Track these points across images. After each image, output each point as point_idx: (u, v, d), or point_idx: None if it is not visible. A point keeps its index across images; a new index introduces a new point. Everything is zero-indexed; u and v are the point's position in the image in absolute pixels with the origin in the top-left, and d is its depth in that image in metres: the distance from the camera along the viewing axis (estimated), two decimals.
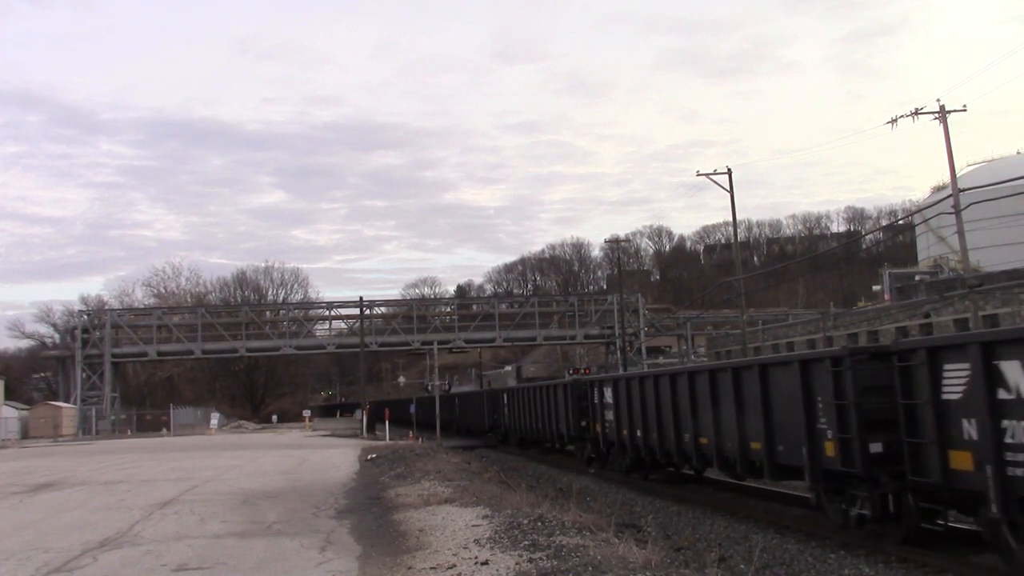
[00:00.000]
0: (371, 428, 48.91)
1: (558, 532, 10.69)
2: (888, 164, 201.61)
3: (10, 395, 67.85)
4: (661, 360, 75.96)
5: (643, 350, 68.21)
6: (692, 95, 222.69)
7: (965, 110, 36.16)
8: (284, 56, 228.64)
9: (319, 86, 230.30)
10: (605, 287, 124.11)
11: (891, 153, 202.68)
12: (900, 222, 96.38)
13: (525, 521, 11.58)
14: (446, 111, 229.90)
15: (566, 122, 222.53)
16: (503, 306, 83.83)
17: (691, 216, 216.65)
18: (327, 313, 73.59)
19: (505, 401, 37.30)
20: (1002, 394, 9.40)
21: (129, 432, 59.86)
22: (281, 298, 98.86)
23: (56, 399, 69.64)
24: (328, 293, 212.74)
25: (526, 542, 10.09)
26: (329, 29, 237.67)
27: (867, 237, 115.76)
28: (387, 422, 44.11)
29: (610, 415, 21.85)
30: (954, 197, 33.00)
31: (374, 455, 27.20)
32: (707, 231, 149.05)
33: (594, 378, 24.78)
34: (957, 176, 35.47)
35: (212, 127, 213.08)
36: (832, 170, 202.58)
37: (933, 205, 45.81)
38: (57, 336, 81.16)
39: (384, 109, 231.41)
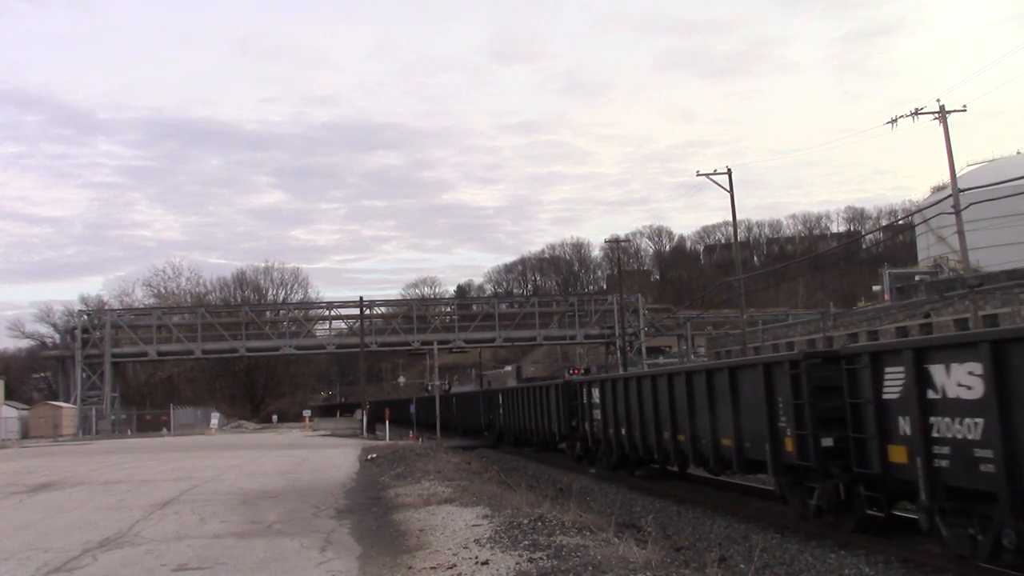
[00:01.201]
0: (371, 428, 48.96)
1: (558, 532, 10.69)
2: (887, 164, 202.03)
3: (10, 395, 67.87)
4: (661, 360, 75.94)
5: (643, 350, 68.24)
6: (691, 95, 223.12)
7: (965, 110, 36.23)
8: (282, 56, 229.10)
9: (317, 86, 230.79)
10: (605, 287, 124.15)
11: (890, 153, 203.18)
12: (900, 222, 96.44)
13: (525, 521, 11.57)
14: (444, 111, 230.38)
15: (565, 122, 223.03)
16: (503, 306, 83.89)
17: (690, 216, 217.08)
18: (327, 313, 73.67)
19: (596, 398, 24.19)
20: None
21: (129, 432, 59.87)
22: (281, 298, 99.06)
23: (56, 399, 69.66)
24: (327, 293, 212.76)
25: (526, 542, 10.08)
26: (327, 29, 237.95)
27: (867, 237, 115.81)
28: (387, 422, 44.14)
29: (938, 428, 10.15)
30: (954, 197, 33.01)
31: (374, 455, 27.20)
32: (707, 231, 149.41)
33: (868, 348, 12.07)
34: (957, 176, 35.48)
35: (211, 127, 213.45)
36: (831, 170, 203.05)
37: (933, 205, 45.83)
38: (57, 336, 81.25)
39: (382, 109, 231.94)
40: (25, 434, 59.60)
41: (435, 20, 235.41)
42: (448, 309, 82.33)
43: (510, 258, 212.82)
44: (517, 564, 8.83)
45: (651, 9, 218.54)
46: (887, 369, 11.16)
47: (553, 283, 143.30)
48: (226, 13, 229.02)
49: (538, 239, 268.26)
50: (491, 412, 40.93)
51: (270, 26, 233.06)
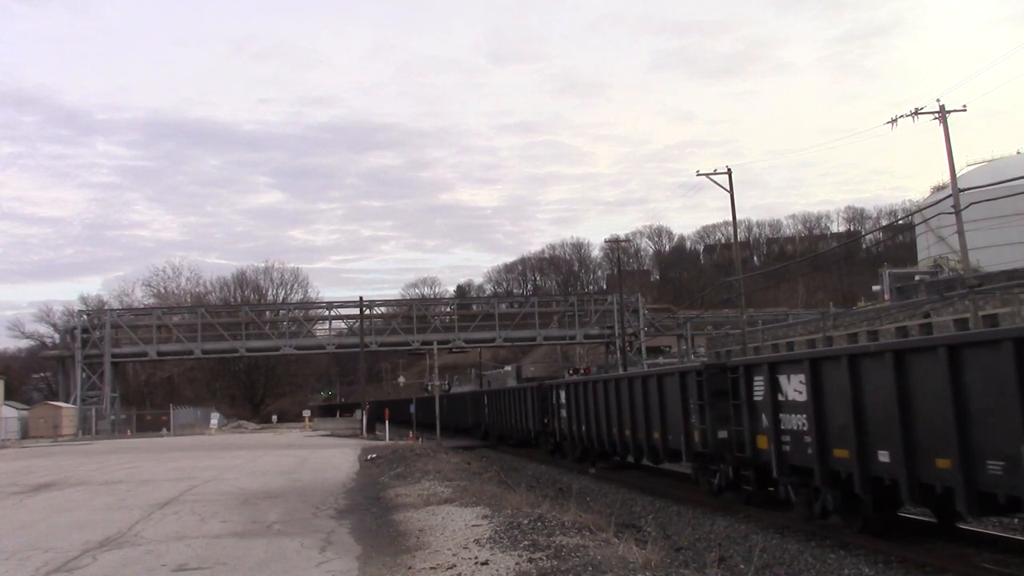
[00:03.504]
0: (371, 428, 48.96)
1: (558, 532, 10.69)
2: (884, 165, 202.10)
3: (10, 395, 67.84)
4: (661, 360, 75.83)
5: (643, 350, 68.20)
6: (687, 96, 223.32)
7: (965, 110, 36.14)
8: (279, 57, 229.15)
9: (314, 87, 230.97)
10: (605, 287, 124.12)
11: (887, 154, 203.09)
12: (900, 222, 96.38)
13: (525, 521, 11.57)
14: (441, 112, 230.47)
15: (562, 123, 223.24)
16: (503, 306, 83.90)
17: (688, 216, 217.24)
18: (327, 313, 73.63)
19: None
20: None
21: (129, 432, 59.86)
22: (281, 298, 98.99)
23: (56, 399, 69.60)
24: (326, 293, 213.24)
25: (526, 542, 10.08)
26: (323, 30, 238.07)
27: (867, 237, 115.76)
28: (387, 422, 44.15)
29: None
30: (954, 197, 32.98)
31: (374, 455, 27.20)
32: (707, 231, 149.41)
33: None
34: (957, 176, 35.46)
35: (208, 128, 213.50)
36: (828, 171, 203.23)
37: (933, 205, 45.79)
38: (57, 336, 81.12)
39: (379, 110, 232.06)
40: (25, 434, 59.58)
41: (430, 21, 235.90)
42: (448, 309, 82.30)
43: (509, 258, 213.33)
44: (517, 564, 8.83)
45: (646, 10, 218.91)
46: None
47: (553, 283, 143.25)
48: (222, 14, 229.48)
49: (536, 239, 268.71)
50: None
51: (266, 27, 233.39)
